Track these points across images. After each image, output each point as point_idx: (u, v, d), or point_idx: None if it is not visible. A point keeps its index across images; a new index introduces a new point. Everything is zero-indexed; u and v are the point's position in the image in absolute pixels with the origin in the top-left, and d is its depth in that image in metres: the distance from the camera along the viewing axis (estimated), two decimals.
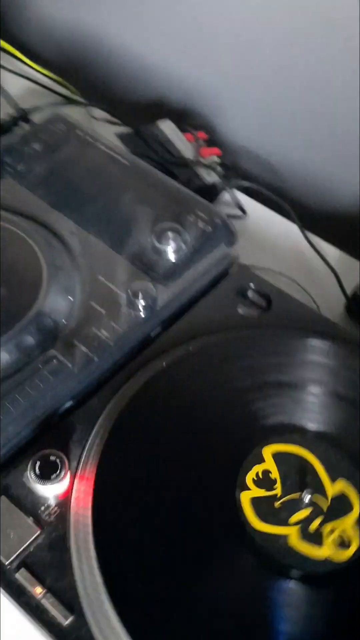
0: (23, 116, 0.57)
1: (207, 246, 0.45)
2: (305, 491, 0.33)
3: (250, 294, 0.45)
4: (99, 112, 0.64)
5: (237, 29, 0.61)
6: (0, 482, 0.34)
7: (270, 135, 0.67)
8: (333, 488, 0.34)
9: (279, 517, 0.33)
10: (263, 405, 0.37)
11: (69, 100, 0.65)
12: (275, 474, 0.34)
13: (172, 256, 0.44)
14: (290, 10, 0.55)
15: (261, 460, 0.34)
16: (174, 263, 0.44)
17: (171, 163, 0.58)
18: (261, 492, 0.33)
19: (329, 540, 0.32)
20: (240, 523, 0.32)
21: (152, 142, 0.59)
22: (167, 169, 0.57)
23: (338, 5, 0.52)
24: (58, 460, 0.33)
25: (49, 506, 0.33)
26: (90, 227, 0.46)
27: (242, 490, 0.33)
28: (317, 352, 0.39)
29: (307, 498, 0.33)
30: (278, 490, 0.33)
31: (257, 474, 0.34)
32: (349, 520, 0.33)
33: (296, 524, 0.33)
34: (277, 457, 0.35)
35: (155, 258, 0.44)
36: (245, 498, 0.33)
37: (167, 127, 0.61)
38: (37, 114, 0.60)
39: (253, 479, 0.34)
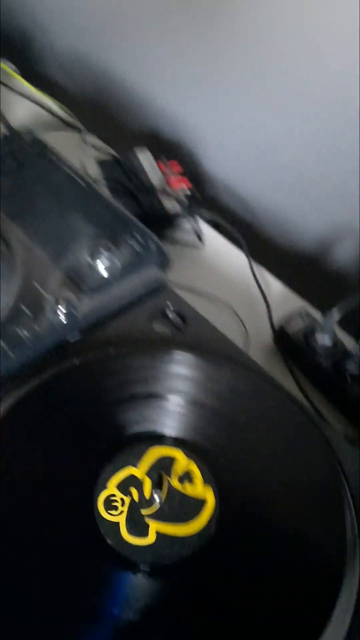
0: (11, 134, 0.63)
1: (137, 266, 0.50)
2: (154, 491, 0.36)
3: (170, 314, 0.49)
4: (93, 139, 0.70)
5: (227, 84, 0.66)
6: None
7: (246, 175, 0.71)
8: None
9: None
10: (131, 415, 0.40)
11: (64, 124, 0.71)
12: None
13: (101, 271, 0.49)
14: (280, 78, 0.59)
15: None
16: (102, 278, 0.48)
17: (140, 190, 0.63)
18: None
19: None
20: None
21: (126, 170, 0.64)
22: (133, 195, 0.62)
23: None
24: None
25: None
26: (36, 237, 0.51)
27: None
28: (180, 364, 0.43)
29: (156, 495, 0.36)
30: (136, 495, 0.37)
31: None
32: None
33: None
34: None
35: (86, 272, 0.49)
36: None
37: (144, 156, 0.66)
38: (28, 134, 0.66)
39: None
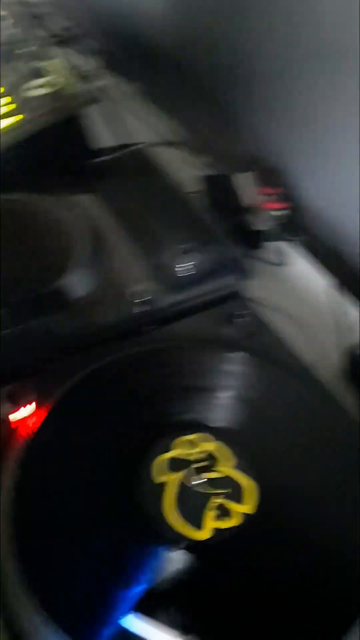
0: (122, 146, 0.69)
1: (215, 273, 0.53)
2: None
3: (239, 320, 0.51)
4: (199, 157, 0.75)
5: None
6: None
7: (342, 209, 0.72)
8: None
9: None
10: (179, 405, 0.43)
11: (174, 144, 0.76)
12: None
13: (182, 272, 0.52)
14: None
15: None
16: (182, 278, 0.52)
17: (233, 207, 0.66)
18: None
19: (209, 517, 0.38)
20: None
21: (224, 187, 0.68)
22: (226, 210, 0.65)
23: None
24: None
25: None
26: (129, 235, 0.56)
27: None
28: (242, 365, 0.46)
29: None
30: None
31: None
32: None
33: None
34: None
35: (168, 271, 0.53)
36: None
37: (244, 177, 0.70)
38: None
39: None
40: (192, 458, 0.40)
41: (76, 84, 0.65)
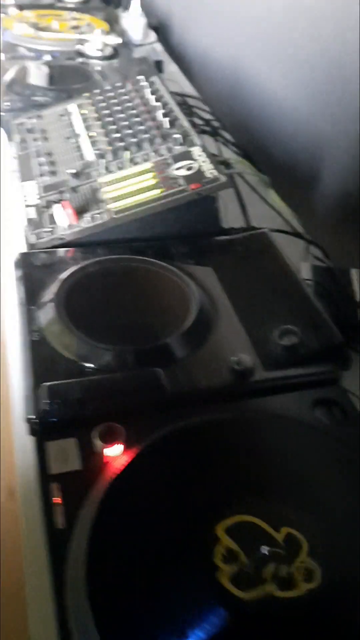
0: (247, 229, 0.74)
1: (316, 357, 0.54)
2: (261, 548, 0.39)
3: (333, 407, 0.52)
4: (316, 250, 0.79)
5: None
6: None
7: None
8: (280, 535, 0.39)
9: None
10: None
11: (295, 234, 0.81)
12: (234, 547, 0.40)
13: (283, 350, 0.54)
14: None
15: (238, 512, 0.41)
16: (283, 356, 0.54)
17: (342, 299, 0.68)
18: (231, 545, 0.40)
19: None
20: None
21: (336, 279, 0.70)
22: (334, 301, 0.67)
23: None
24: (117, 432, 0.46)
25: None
26: (239, 307, 0.59)
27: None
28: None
29: (265, 551, 0.39)
30: (242, 558, 0.40)
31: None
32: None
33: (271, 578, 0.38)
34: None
35: (270, 346, 0.55)
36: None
37: (357, 275, 0.72)
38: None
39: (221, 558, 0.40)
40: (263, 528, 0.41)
41: (214, 169, 0.71)
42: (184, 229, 0.70)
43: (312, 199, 0.93)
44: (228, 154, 0.94)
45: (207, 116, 1.10)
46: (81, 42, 1.21)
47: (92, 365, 0.52)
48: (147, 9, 1.79)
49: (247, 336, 0.56)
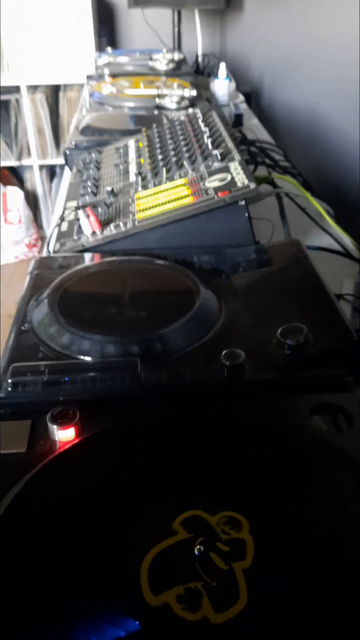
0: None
1: (325, 360, 0.46)
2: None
3: (339, 417, 0.43)
4: None
5: None
6: None
7: None
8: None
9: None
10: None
11: (341, 253, 0.73)
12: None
13: (287, 351, 0.47)
14: None
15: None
16: (287, 355, 0.47)
17: None
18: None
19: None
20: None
21: None
22: None
23: None
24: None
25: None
26: (254, 311, 0.53)
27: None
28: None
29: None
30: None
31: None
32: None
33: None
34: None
35: (275, 346, 0.48)
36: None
37: None
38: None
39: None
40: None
41: (245, 178, 0.67)
42: (210, 239, 0.66)
43: None
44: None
45: (276, 157, 1.08)
46: (161, 96, 1.26)
47: (71, 354, 0.48)
48: (240, 79, 1.87)
49: (251, 336, 0.50)
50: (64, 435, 0.40)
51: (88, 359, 0.48)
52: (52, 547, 0.33)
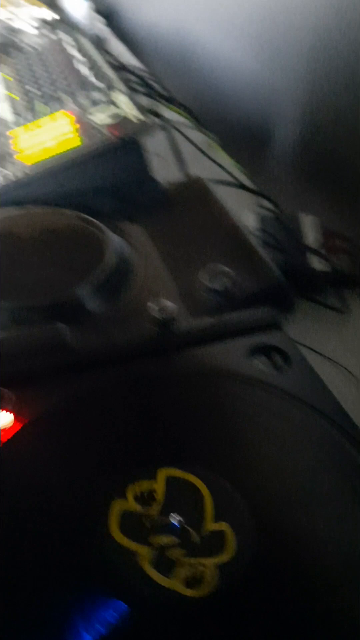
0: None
1: (254, 300, 0.46)
2: (171, 515, 0.30)
3: (274, 354, 0.43)
4: (263, 201, 0.71)
5: None
6: None
7: None
8: (212, 526, 0.30)
9: (142, 534, 0.30)
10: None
11: (240, 186, 0.73)
12: (159, 496, 0.32)
13: (214, 295, 0.46)
14: None
15: (152, 477, 0.32)
16: (213, 301, 0.46)
17: (291, 247, 0.60)
18: (135, 507, 0.31)
19: (178, 574, 0.29)
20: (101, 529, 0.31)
21: (284, 227, 0.62)
22: (282, 250, 0.59)
23: None
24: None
25: None
26: (168, 255, 0.51)
27: (118, 499, 0.32)
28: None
29: (175, 521, 0.30)
30: (155, 510, 0.31)
31: (142, 492, 0.32)
32: (210, 561, 0.29)
33: (156, 546, 0.30)
34: (172, 481, 0.32)
35: (199, 291, 0.46)
36: (116, 506, 0.31)
37: (308, 220, 0.64)
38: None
39: (135, 494, 0.32)
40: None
41: (140, 114, 0.63)
42: (108, 181, 0.62)
43: (262, 152, 0.85)
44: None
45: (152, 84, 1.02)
46: (10, 18, 1.13)
47: None
48: None
49: (174, 284, 0.48)
50: (3, 422, 0.37)
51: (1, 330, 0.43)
52: (17, 538, 0.30)
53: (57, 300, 0.45)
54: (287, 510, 0.33)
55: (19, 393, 0.38)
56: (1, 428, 0.36)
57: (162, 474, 0.32)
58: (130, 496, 0.32)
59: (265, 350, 0.43)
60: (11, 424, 0.37)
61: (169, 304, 0.44)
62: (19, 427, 0.36)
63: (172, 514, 0.30)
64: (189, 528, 0.30)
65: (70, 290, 0.46)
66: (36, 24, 1.12)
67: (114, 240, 0.51)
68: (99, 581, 0.29)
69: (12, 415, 0.37)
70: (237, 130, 0.90)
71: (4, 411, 0.37)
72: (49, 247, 0.51)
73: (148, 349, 0.43)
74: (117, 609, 0.28)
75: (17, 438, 0.35)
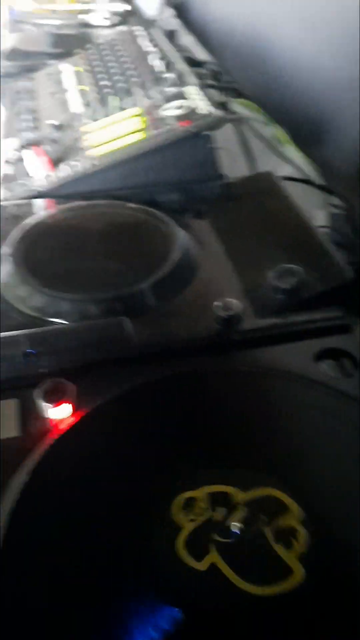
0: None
1: (324, 301, 0.44)
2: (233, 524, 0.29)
3: (344, 361, 0.41)
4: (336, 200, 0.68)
5: None
6: None
7: None
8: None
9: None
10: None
11: (309, 182, 0.70)
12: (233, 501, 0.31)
13: (280, 294, 0.44)
14: None
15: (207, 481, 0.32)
16: (281, 301, 0.44)
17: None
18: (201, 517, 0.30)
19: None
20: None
21: (355, 226, 0.60)
22: (353, 249, 0.57)
23: None
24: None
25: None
26: (234, 252, 0.49)
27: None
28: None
29: (236, 529, 0.29)
30: (219, 516, 0.30)
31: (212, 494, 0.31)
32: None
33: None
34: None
35: (268, 291, 0.45)
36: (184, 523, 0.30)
37: None
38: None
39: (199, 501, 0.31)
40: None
41: (209, 105, 0.62)
42: (176, 175, 0.61)
43: (333, 149, 0.82)
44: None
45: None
46: (86, 12, 1.14)
47: (47, 318, 0.43)
48: None
49: (239, 281, 0.47)
50: (60, 412, 0.37)
51: (65, 322, 0.43)
52: (70, 539, 0.30)
53: (121, 294, 0.44)
54: (351, 527, 0.31)
55: (78, 384, 0.37)
56: (61, 419, 0.36)
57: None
58: (200, 504, 0.31)
59: (334, 355, 0.41)
60: (70, 415, 0.36)
61: (234, 301, 0.43)
62: (78, 417, 0.36)
63: (233, 522, 0.29)
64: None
65: (135, 284, 0.45)
66: (109, 17, 1.13)
67: (179, 235, 0.50)
68: (154, 586, 0.28)
69: (70, 406, 0.37)
70: (308, 126, 0.88)
71: (65, 403, 0.37)
72: (114, 240, 0.51)
73: (210, 346, 0.42)
74: (171, 616, 0.27)
75: (74, 429, 0.35)
